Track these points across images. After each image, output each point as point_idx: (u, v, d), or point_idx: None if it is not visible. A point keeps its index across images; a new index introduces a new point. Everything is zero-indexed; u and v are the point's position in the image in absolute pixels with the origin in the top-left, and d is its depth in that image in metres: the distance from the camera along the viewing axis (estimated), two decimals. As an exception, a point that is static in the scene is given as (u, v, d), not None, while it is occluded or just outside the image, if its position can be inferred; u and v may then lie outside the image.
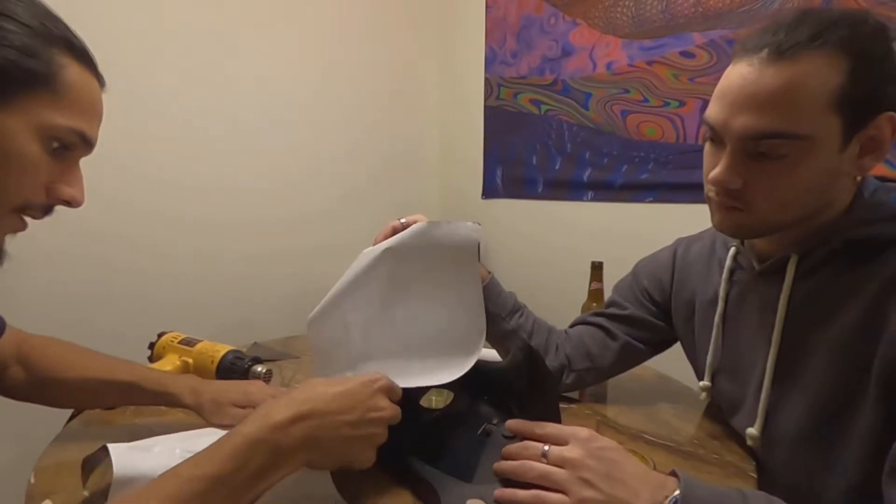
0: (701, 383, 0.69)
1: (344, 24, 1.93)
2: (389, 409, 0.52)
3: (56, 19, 0.48)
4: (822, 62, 0.49)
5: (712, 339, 0.68)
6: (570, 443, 0.50)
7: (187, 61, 1.55)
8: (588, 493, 0.46)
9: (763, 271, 0.62)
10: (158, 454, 0.54)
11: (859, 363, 0.53)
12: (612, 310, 0.83)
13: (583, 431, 0.52)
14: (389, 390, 0.53)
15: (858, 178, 0.57)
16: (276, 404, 0.47)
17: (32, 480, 0.59)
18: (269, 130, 1.77)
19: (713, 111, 0.56)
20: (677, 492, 0.46)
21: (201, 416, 0.67)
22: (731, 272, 0.66)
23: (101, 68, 0.52)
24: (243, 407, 0.68)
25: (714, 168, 0.56)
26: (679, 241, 0.79)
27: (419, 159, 2.25)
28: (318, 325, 0.71)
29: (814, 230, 0.57)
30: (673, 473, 0.49)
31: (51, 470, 0.61)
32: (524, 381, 0.59)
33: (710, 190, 0.59)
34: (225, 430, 0.64)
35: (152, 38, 1.47)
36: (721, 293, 0.66)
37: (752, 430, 0.60)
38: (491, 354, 0.85)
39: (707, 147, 0.59)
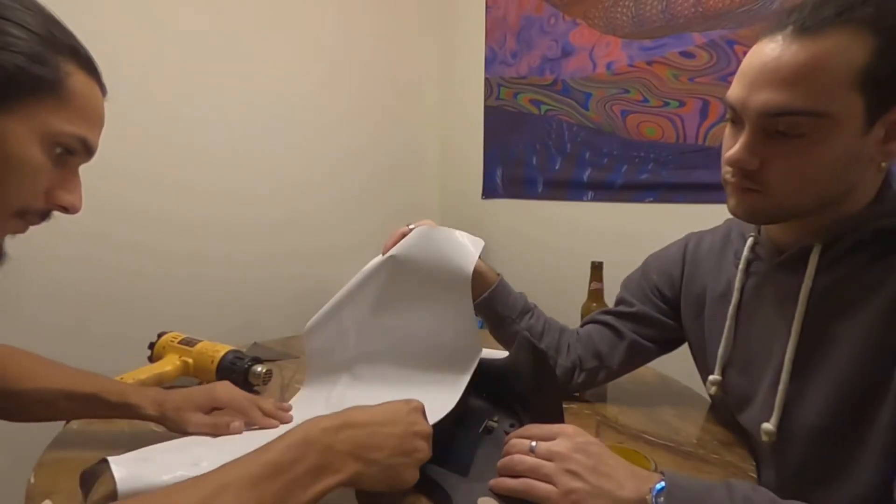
0: (711, 377, 0.68)
1: (344, 25, 1.93)
2: (427, 426, 0.54)
3: (62, 27, 0.48)
4: (847, 39, 0.47)
5: (725, 332, 0.66)
6: (558, 438, 0.52)
7: (188, 64, 1.55)
8: (575, 483, 0.48)
9: (783, 262, 0.60)
10: (162, 464, 0.54)
11: (884, 355, 0.52)
12: (621, 307, 0.83)
13: (569, 428, 0.53)
14: (423, 411, 0.55)
15: (884, 165, 0.54)
16: (323, 416, 0.49)
17: (32, 480, 0.59)
18: (269, 132, 1.77)
19: (734, 90, 0.55)
20: (661, 483, 0.47)
21: (165, 426, 0.65)
22: (748, 263, 0.65)
23: (102, 69, 0.52)
24: (209, 411, 0.67)
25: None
26: (690, 236, 0.78)
27: (419, 159, 2.25)
28: (315, 332, 0.71)
29: (838, 220, 0.55)
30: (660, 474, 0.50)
31: (51, 470, 0.61)
32: (526, 379, 0.59)
33: (726, 172, 0.57)
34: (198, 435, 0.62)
35: (153, 41, 1.47)
36: (737, 284, 0.65)
37: (768, 425, 0.58)
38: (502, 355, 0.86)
39: (727, 129, 0.58)
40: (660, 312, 0.79)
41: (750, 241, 0.65)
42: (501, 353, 0.88)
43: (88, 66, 0.49)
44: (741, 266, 0.65)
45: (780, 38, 0.51)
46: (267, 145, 1.76)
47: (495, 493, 0.52)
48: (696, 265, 0.74)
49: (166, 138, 1.53)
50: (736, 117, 0.55)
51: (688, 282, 0.74)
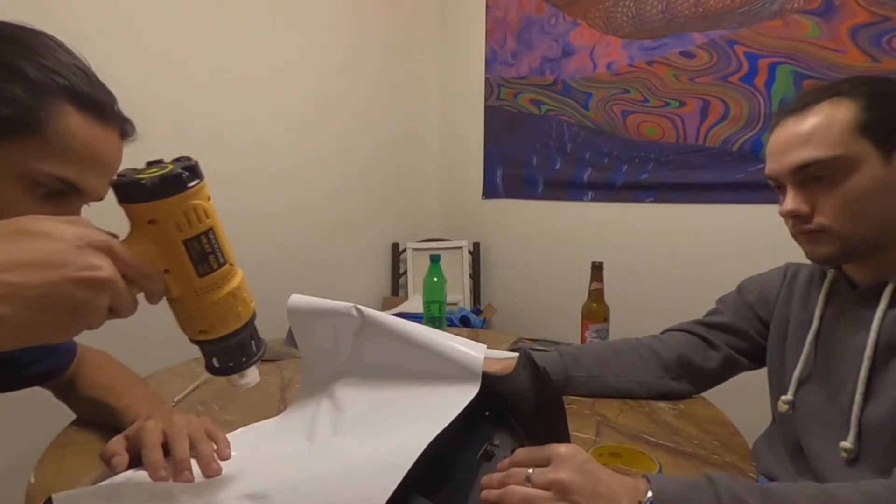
0: (783, 397, 0.72)
1: (344, 26, 1.93)
2: (108, 269, 0.37)
3: (69, 68, 0.47)
4: (831, 107, 0.63)
5: (802, 356, 0.71)
6: (553, 462, 0.49)
7: (194, 71, 1.55)
8: None
9: (860, 295, 0.66)
10: (103, 496, 0.51)
11: None
12: (713, 318, 0.85)
13: (562, 448, 0.50)
14: (108, 248, 0.38)
15: None
16: None
17: (32, 480, 0.59)
18: (270, 135, 1.77)
19: (769, 165, 0.67)
20: (650, 493, 0.47)
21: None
22: (828, 296, 0.71)
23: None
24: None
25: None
26: (789, 265, 0.82)
27: (420, 160, 2.24)
28: (305, 314, 0.69)
29: None
30: (643, 476, 0.49)
31: (51, 470, 0.61)
32: (527, 400, 0.55)
33: (791, 228, 0.67)
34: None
35: (158, 48, 1.47)
36: (817, 313, 0.71)
37: (846, 444, 0.63)
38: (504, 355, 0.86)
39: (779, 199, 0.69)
40: (753, 330, 0.82)
41: (830, 276, 0.71)
42: (501, 353, 0.88)
43: (89, 107, 0.48)
44: (821, 297, 0.71)
45: (787, 122, 0.65)
46: (266, 147, 1.76)
47: None
48: (791, 292, 0.78)
49: (169, 144, 1.52)
50: (778, 184, 0.67)
51: (781, 306, 0.78)
